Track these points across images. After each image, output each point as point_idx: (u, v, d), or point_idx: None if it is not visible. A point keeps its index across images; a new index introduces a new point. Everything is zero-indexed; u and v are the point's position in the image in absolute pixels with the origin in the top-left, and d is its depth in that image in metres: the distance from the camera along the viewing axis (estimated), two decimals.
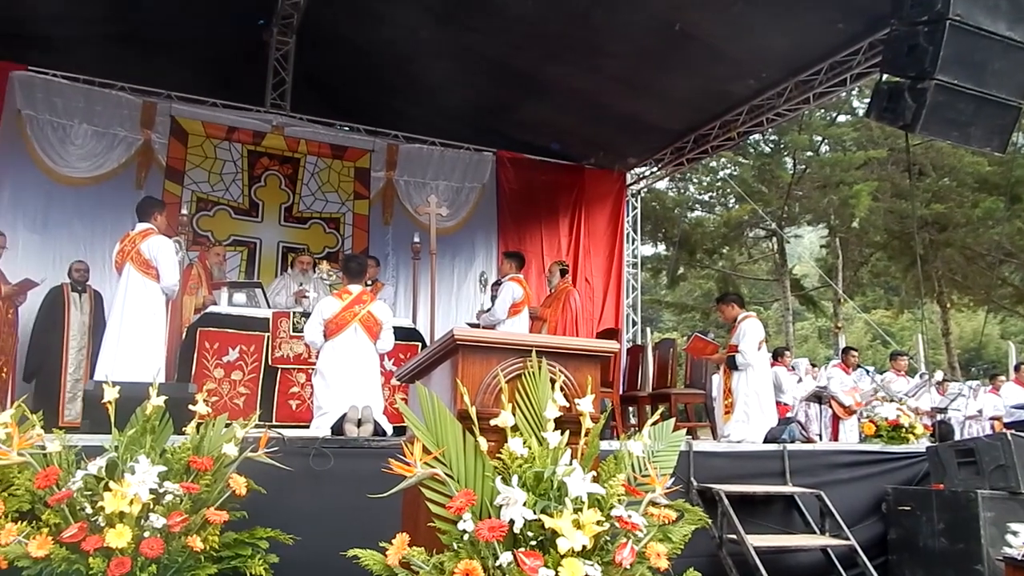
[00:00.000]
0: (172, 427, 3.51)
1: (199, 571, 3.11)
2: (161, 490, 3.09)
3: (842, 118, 20.24)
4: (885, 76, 6.22)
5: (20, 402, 3.55)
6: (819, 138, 20.38)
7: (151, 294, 5.81)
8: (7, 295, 7.31)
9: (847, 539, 5.06)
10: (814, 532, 5.30)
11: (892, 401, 7.35)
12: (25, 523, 3.07)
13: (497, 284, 8.43)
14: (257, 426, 3.72)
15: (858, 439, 7.96)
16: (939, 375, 11.67)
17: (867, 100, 7.69)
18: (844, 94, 13.47)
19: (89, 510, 3.01)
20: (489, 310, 8.04)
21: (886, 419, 6.76)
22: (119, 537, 2.89)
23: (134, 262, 5.79)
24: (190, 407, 3.65)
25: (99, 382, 4.02)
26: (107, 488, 3.02)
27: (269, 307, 7.51)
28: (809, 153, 20.42)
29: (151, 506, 3.04)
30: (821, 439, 8.99)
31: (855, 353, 11.27)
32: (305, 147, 10.35)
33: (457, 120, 10.87)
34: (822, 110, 18.86)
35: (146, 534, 2.97)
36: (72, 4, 8.24)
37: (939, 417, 9.17)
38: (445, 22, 8.89)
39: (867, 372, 10.62)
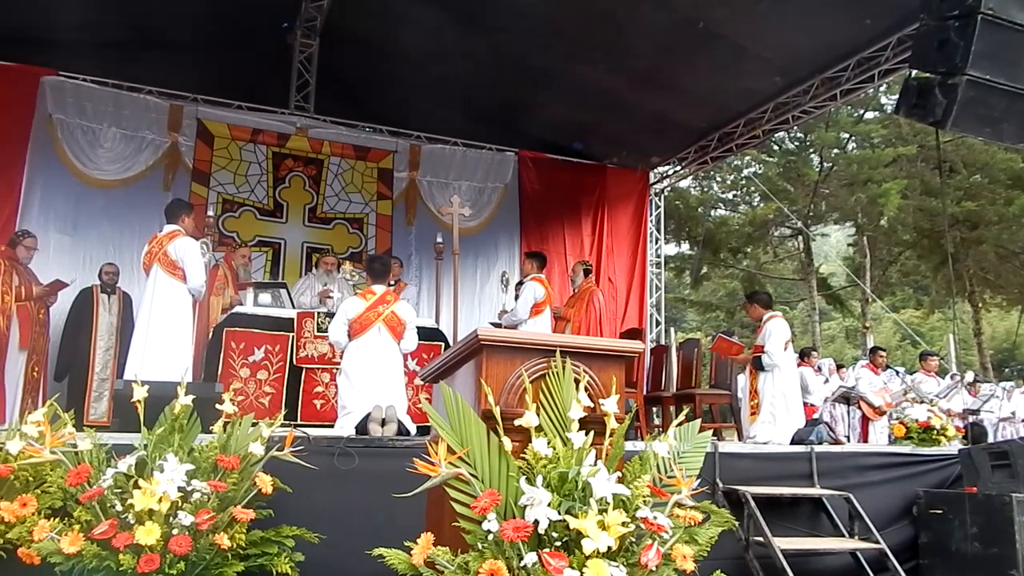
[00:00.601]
0: (200, 426, 3.54)
1: (226, 568, 3.14)
2: (189, 488, 3.12)
3: (870, 114, 20.01)
4: (914, 72, 6.13)
5: (52, 401, 3.59)
6: (846, 135, 20.17)
7: (178, 295, 5.87)
8: (38, 296, 7.40)
9: (877, 542, 5.00)
10: (843, 535, 5.24)
11: (923, 402, 7.24)
12: (57, 520, 3.12)
13: (520, 284, 8.42)
14: (282, 425, 3.75)
15: (888, 441, 7.87)
16: (971, 376, 11.49)
17: (895, 96, 7.59)
18: (872, 90, 13.32)
19: (119, 507, 3.05)
20: (511, 310, 8.04)
21: (917, 421, 6.66)
22: (148, 534, 2.92)
23: (161, 263, 5.85)
24: (217, 406, 3.69)
25: (128, 381, 4.06)
26: (136, 486, 3.06)
27: (294, 307, 7.56)
28: (836, 151, 20.21)
29: (179, 504, 3.07)
30: (849, 441, 8.89)
31: (883, 353, 11.14)
32: (329, 148, 10.42)
33: (479, 120, 10.88)
34: (849, 106, 18.65)
35: (174, 531, 3.00)
36: (100, 10, 8.35)
37: (971, 419, 9.05)
38: (467, 22, 8.90)
39: (897, 373, 10.48)
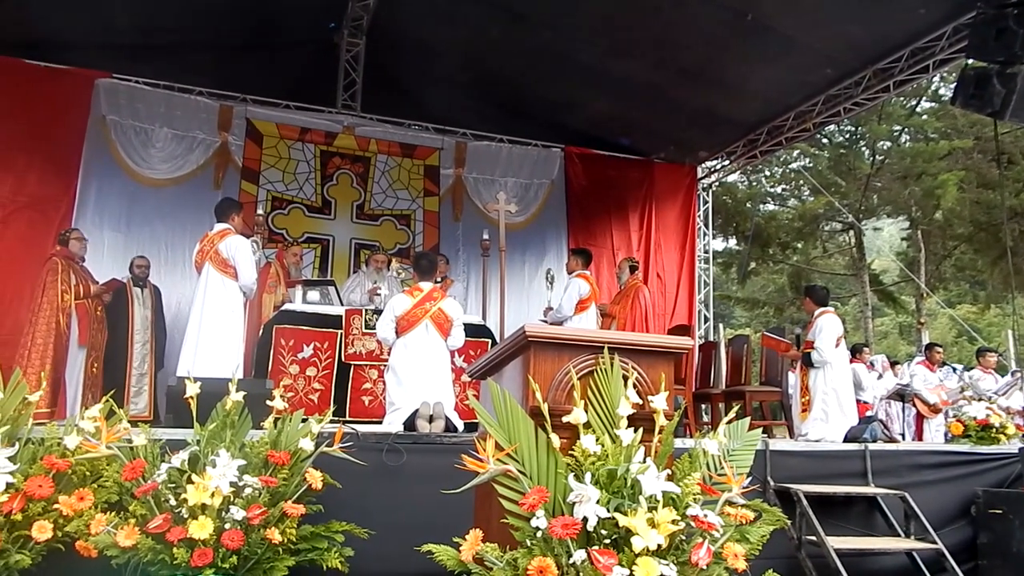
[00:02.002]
0: (251, 422, 3.58)
1: (277, 563, 3.17)
2: (241, 483, 3.16)
3: (925, 104, 19.53)
4: (971, 61, 5.98)
5: (108, 397, 3.66)
6: (898, 128, 19.72)
7: (229, 293, 5.96)
8: (96, 294, 7.55)
9: (934, 542, 4.88)
10: (898, 535, 5.13)
11: (981, 400, 7.06)
12: (113, 514, 3.17)
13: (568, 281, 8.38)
14: (331, 421, 3.78)
15: (944, 439, 7.69)
16: None
17: (952, 86, 7.41)
18: (926, 81, 13.00)
19: (173, 502, 3.10)
20: (556, 307, 8.01)
21: (975, 418, 6.51)
22: (201, 528, 2.97)
23: (213, 261, 5.95)
24: (267, 403, 3.73)
25: (181, 378, 4.14)
26: (190, 481, 3.10)
27: (342, 304, 7.62)
28: (888, 144, 19.78)
29: (231, 499, 3.11)
30: (904, 439, 8.72)
31: (940, 350, 10.89)
32: (375, 146, 10.51)
33: (525, 116, 10.87)
34: (902, 98, 18.23)
35: (227, 526, 3.04)
36: (151, 14, 8.51)
37: None
38: (513, 19, 8.88)
39: (954, 370, 10.23)
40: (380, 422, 5.93)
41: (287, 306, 7.33)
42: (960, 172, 17.98)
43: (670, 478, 2.43)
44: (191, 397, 3.49)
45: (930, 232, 20.49)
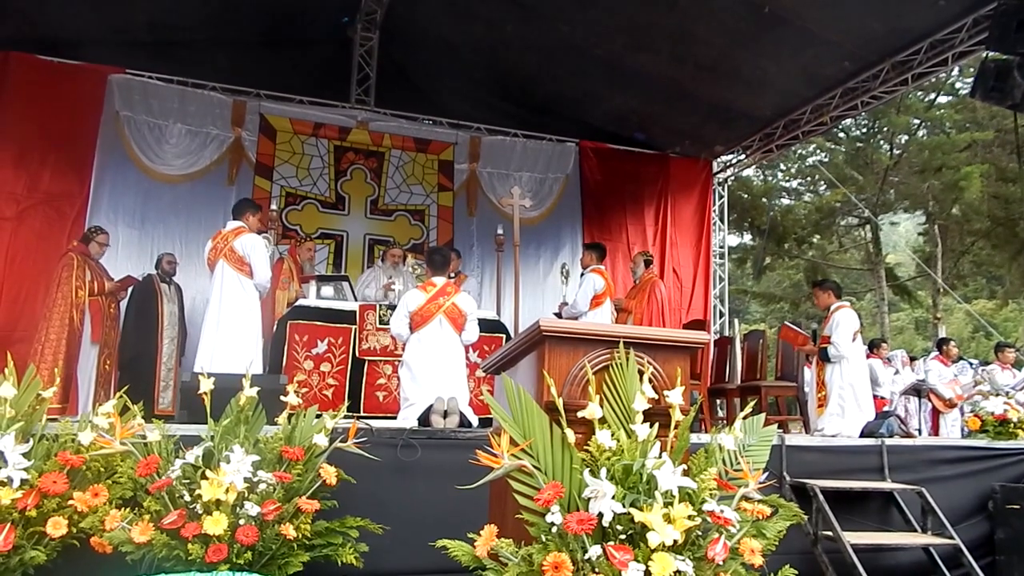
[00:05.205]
0: (265, 418, 3.58)
1: (292, 558, 3.17)
2: (255, 479, 3.15)
3: (943, 99, 19.36)
4: (991, 53, 5.92)
5: (122, 393, 3.67)
6: (916, 121, 19.54)
7: (246, 291, 5.98)
8: (110, 291, 7.57)
9: (951, 538, 4.85)
10: (915, 530, 5.09)
11: (997, 395, 7.00)
12: (128, 510, 3.18)
13: (582, 275, 8.36)
14: (345, 417, 3.77)
15: (960, 434, 7.63)
16: None
17: (970, 79, 7.33)
18: (944, 74, 12.88)
19: (187, 498, 3.09)
20: (571, 303, 7.99)
21: (992, 414, 6.45)
22: (216, 524, 2.96)
23: (228, 259, 5.96)
24: (281, 398, 3.73)
25: (196, 374, 4.14)
26: (204, 476, 3.10)
27: (356, 300, 7.62)
28: (906, 137, 19.61)
29: (246, 494, 3.11)
30: (921, 434, 8.65)
31: (954, 345, 10.80)
32: (389, 141, 10.50)
33: (540, 111, 10.84)
34: (920, 91, 18.07)
35: (241, 522, 3.04)
36: (166, 11, 8.55)
37: None
38: (529, 14, 8.85)
39: (970, 365, 10.14)
40: (394, 417, 5.92)
41: (301, 301, 7.34)
42: (982, 166, 17.79)
43: (686, 473, 2.41)
44: (205, 393, 3.49)
45: (947, 227, 20.33)
